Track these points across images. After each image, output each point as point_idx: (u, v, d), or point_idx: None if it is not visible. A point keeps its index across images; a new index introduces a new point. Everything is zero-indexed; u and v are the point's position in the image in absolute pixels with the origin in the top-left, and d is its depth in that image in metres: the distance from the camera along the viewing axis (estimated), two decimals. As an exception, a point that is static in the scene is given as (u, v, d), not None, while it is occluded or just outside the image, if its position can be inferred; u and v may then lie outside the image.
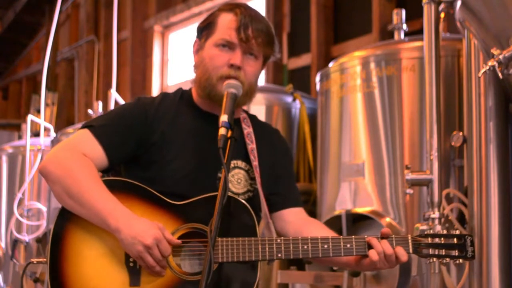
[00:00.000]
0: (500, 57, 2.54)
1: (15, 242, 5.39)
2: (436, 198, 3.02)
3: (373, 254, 2.11)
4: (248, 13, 2.27)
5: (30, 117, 5.56)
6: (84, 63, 8.60)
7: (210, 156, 2.16)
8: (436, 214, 2.97)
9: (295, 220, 2.36)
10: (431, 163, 3.05)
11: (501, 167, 2.92)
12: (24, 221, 5.31)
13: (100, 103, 5.49)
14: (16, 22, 9.79)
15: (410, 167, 3.09)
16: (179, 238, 2.13)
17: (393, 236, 2.14)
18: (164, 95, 2.39)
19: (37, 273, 4.79)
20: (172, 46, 7.77)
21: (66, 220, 2.16)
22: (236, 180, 2.30)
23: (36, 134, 6.07)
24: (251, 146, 2.33)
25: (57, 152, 2.20)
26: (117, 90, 4.91)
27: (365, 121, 3.58)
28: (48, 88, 7.53)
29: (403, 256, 2.13)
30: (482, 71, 2.60)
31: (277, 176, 2.39)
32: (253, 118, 2.46)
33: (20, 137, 7.20)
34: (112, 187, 2.15)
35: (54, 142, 5.14)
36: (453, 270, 3.20)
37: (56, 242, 2.14)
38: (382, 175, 3.48)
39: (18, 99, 10.71)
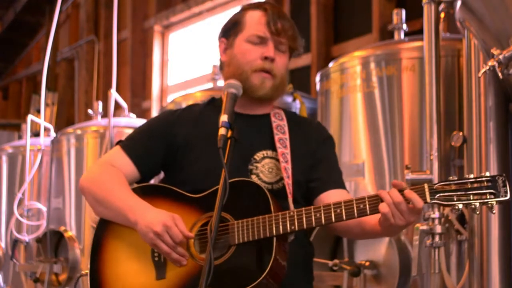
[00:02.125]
0: (500, 57, 2.54)
1: (15, 242, 5.39)
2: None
3: (383, 207, 2.00)
4: (276, 10, 2.37)
5: (30, 117, 5.57)
6: (84, 63, 8.60)
7: (239, 150, 2.15)
8: (436, 214, 2.98)
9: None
10: (431, 163, 3.05)
11: (501, 167, 2.92)
12: (24, 221, 5.32)
13: (100, 103, 5.49)
14: (16, 22, 9.78)
15: (410, 167, 3.09)
16: (201, 227, 2.19)
17: (407, 187, 2.01)
18: (192, 104, 2.53)
19: (37, 273, 4.80)
20: (172, 46, 7.77)
21: (102, 227, 2.34)
22: (268, 169, 2.31)
23: (36, 134, 6.07)
24: (280, 136, 2.35)
25: (90, 168, 2.43)
26: (117, 90, 4.91)
27: (365, 121, 3.58)
28: (48, 88, 7.53)
29: (417, 202, 1.97)
30: (482, 71, 2.60)
31: (314, 163, 2.38)
32: (290, 113, 2.50)
33: (20, 137, 7.19)
34: (137, 192, 2.30)
35: (54, 142, 5.14)
36: (453, 270, 3.20)
37: (95, 248, 2.33)
38: (382, 175, 3.48)
39: (18, 99, 10.71)
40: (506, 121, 2.96)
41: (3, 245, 5.73)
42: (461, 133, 3.17)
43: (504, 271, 2.89)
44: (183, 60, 7.57)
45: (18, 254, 5.49)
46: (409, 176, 3.05)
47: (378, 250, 3.35)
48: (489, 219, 2.88)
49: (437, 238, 3.01)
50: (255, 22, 2.35)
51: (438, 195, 1.97)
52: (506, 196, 1.92)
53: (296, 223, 2.08)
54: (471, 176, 1.97)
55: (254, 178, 2.28)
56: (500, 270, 2.89)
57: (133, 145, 2.40)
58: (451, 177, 2.01)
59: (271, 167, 2.31)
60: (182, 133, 2.37)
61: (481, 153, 2.94)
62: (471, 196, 1.94)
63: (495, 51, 2.56)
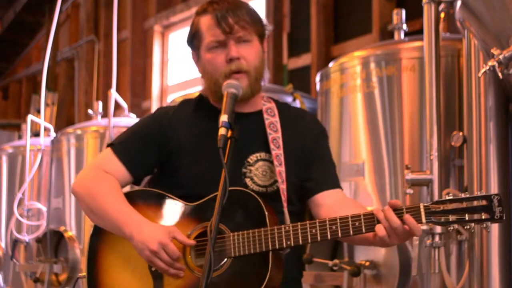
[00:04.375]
0: (500, 57, 2.54)
1: (15, 242, 5.39)
2: (436, 198, 3.02)
3: (379, 230, 2.02)
4: (222, 6, 2.28)
5: (30, 117, 5.57)
6: (84, 63, 8.60)
7: (232, 153, 2.13)
8: (436, 214, 2.97)
9: (329, 203, 2.30)
10: (431, 163, 3.05)
11: (501, 167, 2.92)
12: (24, 221, 5.32)
13: (100, 103, 5.49)
14: (16, 22, 9.78)
15: (410, 167, 3.09)
16: (196, 237, 2.17)
17: (403, 207, 2.02)
18: (183, 101, 2.46)
19: (37, 273, 4.80)
20: (172, 46, 7.77)
21: (97, 234, 2.34)
22: (261, 172, 2.28)
23: (36, 134, 6.07)
24: (273, 135, 2.31)
25: (82, 173, 2.40)
26: (117, 90, 4.91)
27: (365, 121, 3.58)
28: (48, 88, 7.53)
29: (414, 227, 1.98)
30: (482, 71, 2.60)
31: (309, 161, 2.35)
32: (282, 106, 2.44)
33: (20, 137, 7.19)
34: (133, 198, 2.29)
35: (54, 142, 5.14)
36: (453, 270, 3.20)
37: (91, 255, 2.33)
38: (382, 175, 3.48)
39: (18, 99, 10.71)
40: (506, 121, 2.96)
41: (3, 245, 5.73)
42: (461, 133, 3.17)
43: (504, 271, 2.90)
44: (183, 60, 7.57)
45: (18, 254, 5.49)
46: (409, 176, 3.06)
47: (378, 250, 3.35)
48: (489, 219, 2.88)
49: (437, 238, 3.01)
50: (207, 28, 2.29)
51: (433, 215, 1.97)
52: (500, 216, 1.90)
53: (292, 239, 2.08)
54: (467, 194, 1.95)
55: (248, 181, 2.26)
56: (500, 270, 2.89)
57: (125, 148, 2.36)
58: (446, 195, 2.00)
59: (265, 170, 2.28)
60: (176, 136, 2.33)
61: (481, 153, 2.94)
62: (467, 216, 1.93)
63: (495, 51, 2.56)
